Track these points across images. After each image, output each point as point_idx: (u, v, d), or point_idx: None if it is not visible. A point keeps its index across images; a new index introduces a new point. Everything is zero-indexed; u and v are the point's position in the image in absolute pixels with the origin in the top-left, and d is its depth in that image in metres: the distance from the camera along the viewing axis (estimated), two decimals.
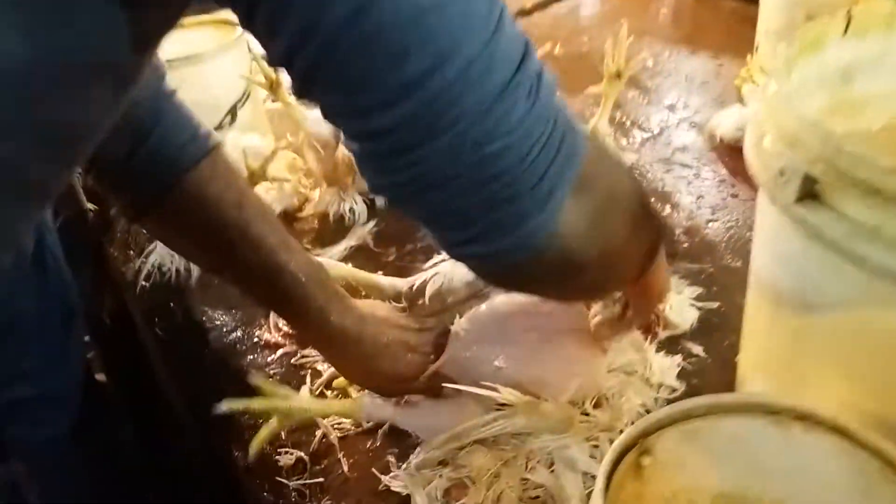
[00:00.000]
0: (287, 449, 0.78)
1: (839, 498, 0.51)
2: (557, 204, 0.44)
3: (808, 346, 0.50)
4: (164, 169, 0.66)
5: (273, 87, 1.02)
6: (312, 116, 1.10)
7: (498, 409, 0.72)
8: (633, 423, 0.71)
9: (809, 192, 0.43)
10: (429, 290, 0.77)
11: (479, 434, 0.72)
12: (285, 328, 0.92)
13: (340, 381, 0.81)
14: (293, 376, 0.86)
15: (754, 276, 0.58)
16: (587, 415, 0.73)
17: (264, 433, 0.73)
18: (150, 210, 0.69)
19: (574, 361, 0.75)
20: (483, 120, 0.40)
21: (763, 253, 0.55)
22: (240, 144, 1.03)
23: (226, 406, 0.71)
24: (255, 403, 0.73)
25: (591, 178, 0.47)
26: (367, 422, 0.77)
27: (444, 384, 0.73)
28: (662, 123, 1.23)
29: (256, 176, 0.99)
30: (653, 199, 1.06)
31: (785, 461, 0.52)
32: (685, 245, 0.97)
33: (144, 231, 0.81)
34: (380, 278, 0.87)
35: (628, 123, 1.23)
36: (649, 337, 0.79)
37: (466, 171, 0.42)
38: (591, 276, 0.53)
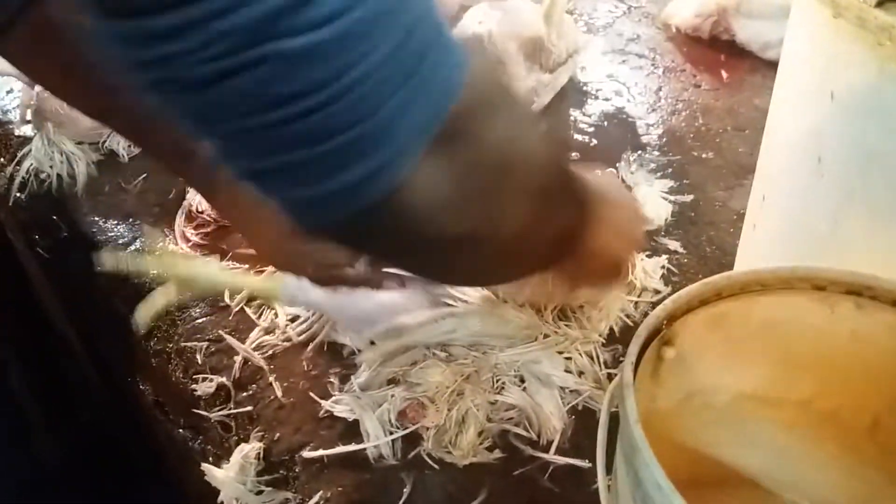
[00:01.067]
0: (205, 375, 0.65)
1: (885, 390, 0.43)
2: (402, 151, 0.30)
3: (857, 209, 0.41)
4: None
5: None
6: None
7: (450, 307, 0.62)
8: (610, 332, 0.64)
9: None
10: None
11: (426, 335, 0.61)
12: (195, 238, 0.78)
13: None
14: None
15: (776, 132, 0.49)
16: (555, 324, 0.63)
17: (159, 299, 0.60)
18: (7, 28, 0.50)
19: None
20: None
21: (797, 100, 0.45)
22: None
23: (108, 261, 0.57)
24: (151, 261, 0.59)
25: (469, 128, 0.33)
26: (289, 305, 0.65)
27: (386, 277, 0.61)
28: (611, 14, 1.12)
29: None
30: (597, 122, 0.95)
31: (822, 348, 0.44)
32: (649, 136, 0.87)
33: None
34: None
35: (575, 15, 1.12)
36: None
37: (247, 72, 0.26)
38: (465, 261, 0.39)
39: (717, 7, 1.00)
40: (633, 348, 0.36)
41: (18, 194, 0.88)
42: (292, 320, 0.66)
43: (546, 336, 0.62)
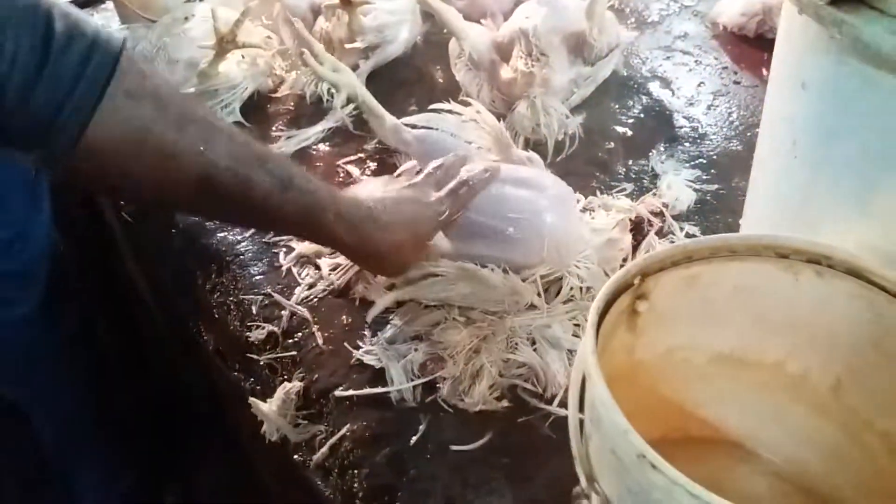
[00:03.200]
0: (258, 324, 0.74)
1: (845, 352, 0.48)
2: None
3: (824, 185, 0.46)
4: (52, 131, 0.50)
5: None
6: None
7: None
8: None
9: None
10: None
11: (422, 292, 0.69)
12: None
13: (308, 248, 0.77)
14: (265, 254, 0.81)
15: (767, 122, 0.53)
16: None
17: None
18: (65, 170, 0.53)
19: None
20: None
21: (780, 91, 0.49)
22: (209, 12, 0.94)
23: None
24: None
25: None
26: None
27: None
28: (663, 11, 1.16)
29: (226, 42, 0.92)
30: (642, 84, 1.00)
31: (790, 313, 0.48)
32: (685, 129, 0.91)
33: None
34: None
35: (627, 11, 1.16)
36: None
37: None
38: None
39: (763, 6, 1.03)
40: (601, 296, 0.42)
41: None
42: (334, 269, 0.75)
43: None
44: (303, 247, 0.78)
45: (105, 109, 0.51)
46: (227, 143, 0.56)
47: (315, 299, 0.73)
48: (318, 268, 0.76)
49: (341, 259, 0.74)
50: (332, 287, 0.73)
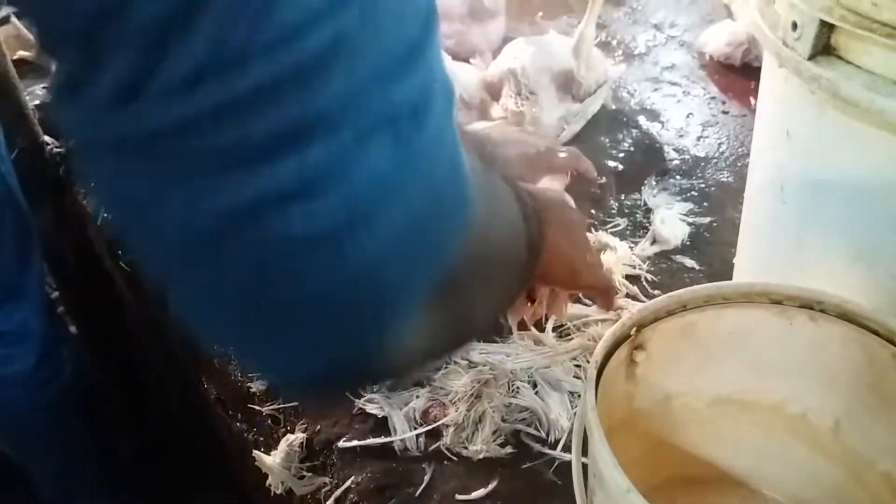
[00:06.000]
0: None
1: (843, 394, 0.48)
2: (396, 325, 0.31)
3: (813, 231, 0.47)
4: None
5: None
6: None
7: None
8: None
9: (824, 47, 0.39)
10: None
11: None
12: None
13: None
14: None
15: (755, 165, 0.54)
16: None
17: None
18: None
19: None
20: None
21: (766, 136, 0.50)
22: None
23: None
24: None
25: (457, 282, 0.33)
26: None
27: None
28: (649, 43, 1.18)
29: None
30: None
31: (786, 357, 0.49)
32: (675, 162, 0.92)
33: None
34: None
35: (614, 43, 1.18)
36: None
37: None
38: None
39: (748, 35, 1.04)
40: (599, 350, 0.43)
41: (106, 214, 0.99)
42: None
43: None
44: None
45: None
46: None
47: None
48: None
49: None
50: None
